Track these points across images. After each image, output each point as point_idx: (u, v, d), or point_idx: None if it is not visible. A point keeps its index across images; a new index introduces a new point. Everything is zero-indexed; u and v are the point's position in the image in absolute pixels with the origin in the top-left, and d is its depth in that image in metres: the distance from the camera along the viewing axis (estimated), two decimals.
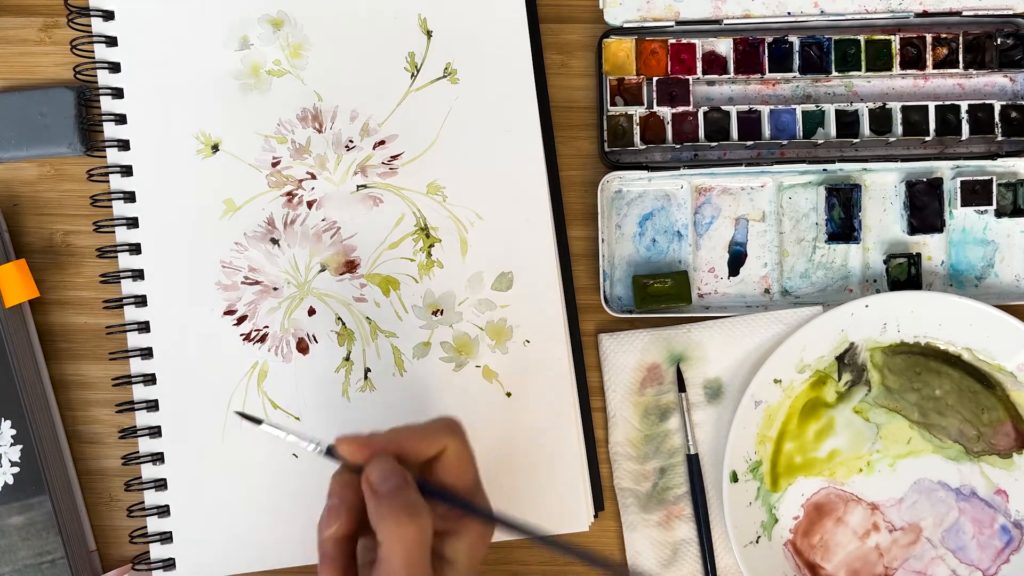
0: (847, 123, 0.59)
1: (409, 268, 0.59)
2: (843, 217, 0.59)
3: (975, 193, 0.59)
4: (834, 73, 0.59)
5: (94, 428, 0.59)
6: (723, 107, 0.59)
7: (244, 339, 0.58)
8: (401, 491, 0.44)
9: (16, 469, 0.57)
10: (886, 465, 0.60)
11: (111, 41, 0.58)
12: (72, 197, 0.60)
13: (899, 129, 0.59)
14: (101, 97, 0.58)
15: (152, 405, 0.58)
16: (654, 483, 0.59)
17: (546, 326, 0.58)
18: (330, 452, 0.47)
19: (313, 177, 0.59)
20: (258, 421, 0.48)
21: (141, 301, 0.58)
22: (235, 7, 0.59)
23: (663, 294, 0.58)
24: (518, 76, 0.59)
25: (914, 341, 0.59)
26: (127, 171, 0.58)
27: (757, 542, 0.58)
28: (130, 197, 0.58)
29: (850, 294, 0.60)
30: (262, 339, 0.58)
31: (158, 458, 0.58)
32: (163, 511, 0.58)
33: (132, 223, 0.58)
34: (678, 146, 0.59)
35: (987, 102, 0.59)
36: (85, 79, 0.58)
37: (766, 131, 0.59)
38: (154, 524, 0.58)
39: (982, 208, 0.59)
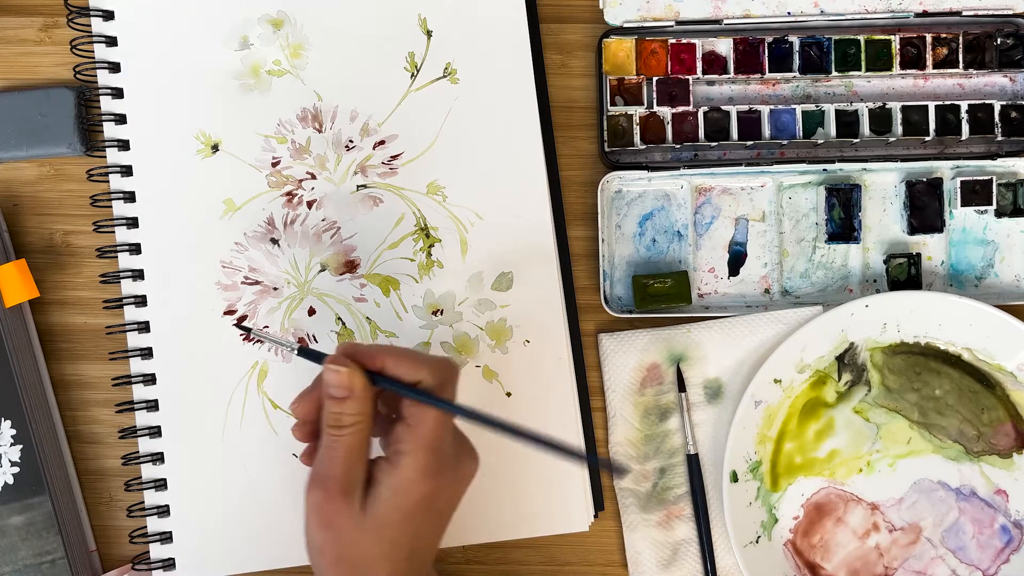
0: (847, 123, 0.59)
1: (409, 268, 0.59)
2: (843, 217, 0.59)
3: (975, 193, 0.59)
4: (834, 73, 0.59)
5: (94, 428, 0.59)
6: (723, 107, 0.59)
7: (244, 339, 0.58)
8: (341, 402, 0.47)
9: (16, 469, 0.57)
10: (886, 465, 0.60)
11: (111, 41, 0.58)
12: (72, 197, 0.60)
13: (899, 129, 0.59)
14: (101, 97, 0.58)
15: (152, 405, 0.58)
16: (654, 483, 0.59)
17: (546, 326, 0.58)
18: (302, 352, 0.50)
19: (313, 177, 0.59)
20: (248, 330, 0.53)
21: (141, 301, 0.58)
22: (235, 7, 0.59)
23: (663, 294, 0.58)
24: (518, 76, 0.59)
25: (914, 341, 0.59)
26: (127, 171, 0.58)
27: (757, 542, 0.58)
28: (130, 197, 0.58)
29: (850, 294, 0.60)
30: (262, 339, 0.58)
31: (158, 458, 0.58)
32: (163, 511, 0.58)
33: (132, 223, 0.58)
34: (678, 146, 0.59)
35: (987, 102, 0.59)
36: (85, 79, 0.58)
37: (766, 131, 0.59)
38: (154, 524, 0.58)
39: (982, 208, 0.59)
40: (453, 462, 0.48)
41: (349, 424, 0.47)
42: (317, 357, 0.49)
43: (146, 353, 0.58)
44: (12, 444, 0.57)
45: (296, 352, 0.51)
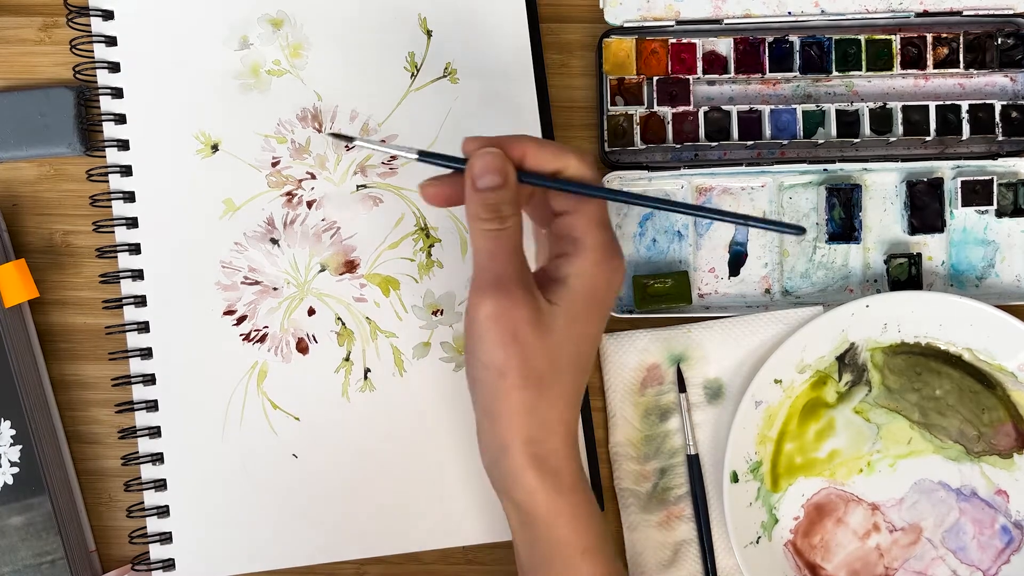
0: (847, 123, 0.59)
1: (409, 268, 0.59)
2: (843, 217, 0.59)
3: (976, 193, 0.59)
4: (834, 73, 0.59)
5: (94, 428, 0.59)
6: (723, 107, 0.59)
7: (244, 339, 0.58)
8: (495, 191, 0.44)
9: (16, 469, 0.57)
10: (886, 465, 0.60)
11: (111, 41, 0.58)
12: (72, 197, 0.60)
13: (900, 129, 0.59)
14: (101, 97, 0.58)
15: (152, 405, 0.58)
16: (654, 483, 0.59)
17: None
18: (422, 157, 0.47)
19: (313, 177, 0.59)
20: (350, 139, 0.51)
21: (141, 301, 0.58)
22: (235, 7, 0.59)
23: (663, 294, 0.58)
24: (518, 76, 0.59)
25: (914, 341, 0.59)
26: (127, 171, 0.58)
27: (757, 542, 0.58)
28: (130, 197, 0.58)
29: (850, 294, 0.60)
30: (262, 339, 0.58)
31: (158, 458, 0.58)
32: (163, 511, 0.58)
33: (132, 223, 0.58)
34: (678, 146, 0.59)
35: (988, 102, 0.59)
36: (85, 79, 0.58)
37: (766, 131, 0.59)
38: (154, 524, 0.58)
39: (983, 208, 0.59)
40: (619, 246, 0.47)
41: (509, 215, 0.44)
42: (443, 157, 0.47)
43: (146, 353, 0.58)
44: (12, 444, 0.56)
45: (416, 157, 0.47)
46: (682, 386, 0.59)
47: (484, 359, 0.44)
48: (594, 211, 0.46)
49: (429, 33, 0.59)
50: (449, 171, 0.48)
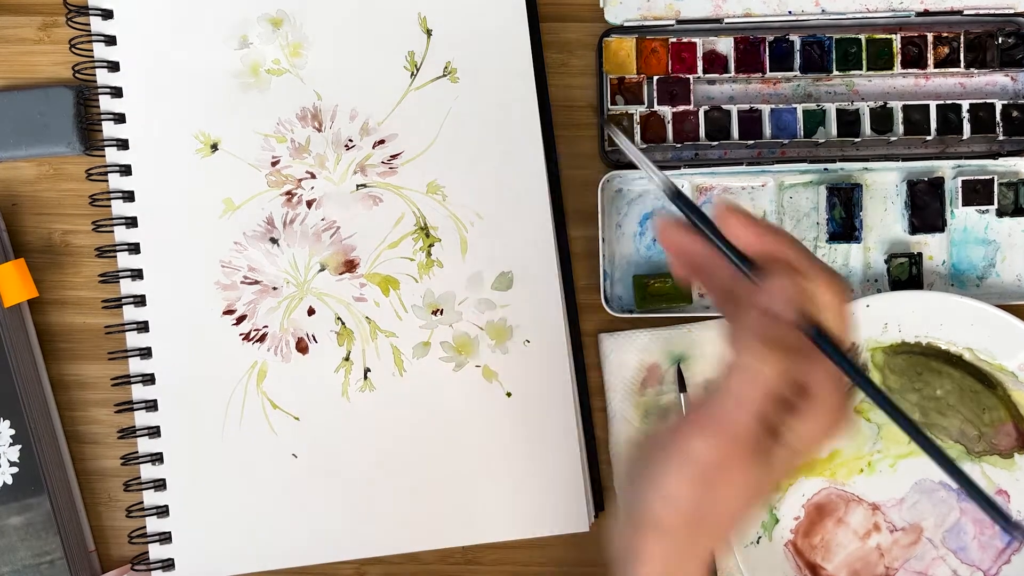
0: (848, 122, 0.59)
1: (409, 268, 0.58)
2: (844, 217, 0.59)
3: (976, 192, 0.59)
4: (835, 72, 0.59)
5: (93, 428, 0.59)
6: (724, 106, 0.59)
7: (243, 339, 0.58)
8: (788, 327, 0.36)
9: (15, 469, 0.56)
10: (887, 465, 0.59)
11: (110, 40, 0.58)
12: (71, 196, 0.60)
13: (900, 128, 0.59)
14: (100, 96, 0.58)
15: (151, 405, 0.58)
16: None
17: (546, 326, 0.58)
18: (676, 198, 0.39)
19: (312, 176, 0.59)
20: (621, 132, 0.43)
21: (140, 301, 0.58)
22: (234, 6, 0.58)
23: (663, 293, 0.58)
24: (518, 75, 0.59)
25: (915, 341, 0.59)
26: (126, 170, 0.58)
27: (758, 543, 0.58)
28: (129, 196, 0.58)
29: (851, 294, 0.60)
30: (261, 339, 0.58)
31: (157, 458, 0.58)
32: (162, 511, 0.57)
33: (131, 222, 0.58)
34: (679, 145, 0.59)
35: (988, 101, 0.59)
36: (84, 78, 0.58)
37: (767, 130, 0.59)
38: (153, 524, 0.58)
39: (983, 207, 0.59)
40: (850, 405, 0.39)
41: (784, 354, 0.35)
42: (705, 220, 0.38)
43: (145, 353, 0.58)
44: (11, 444, 0.56)
45: (666, 190, 0.39)
46: (682, 386, 0.59)
47: (666, 486, 0.38)
48: (843, 378, 0.38)
49: (429, 32, 0.59)
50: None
